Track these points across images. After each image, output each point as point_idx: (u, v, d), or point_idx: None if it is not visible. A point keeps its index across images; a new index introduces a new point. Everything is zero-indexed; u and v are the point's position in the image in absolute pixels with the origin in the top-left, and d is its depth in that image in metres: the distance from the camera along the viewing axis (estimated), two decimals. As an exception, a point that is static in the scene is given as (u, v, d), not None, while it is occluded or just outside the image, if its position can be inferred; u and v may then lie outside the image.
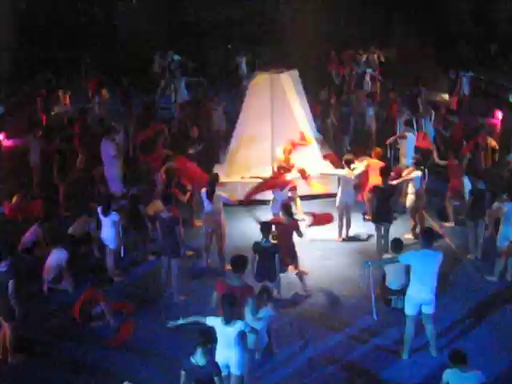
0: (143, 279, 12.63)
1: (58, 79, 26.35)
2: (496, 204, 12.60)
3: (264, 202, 15.00)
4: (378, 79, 25.62)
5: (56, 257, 12.05)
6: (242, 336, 8.44)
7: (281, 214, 12.18)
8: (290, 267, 11.93)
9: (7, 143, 21.01)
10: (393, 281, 11.14)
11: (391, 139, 17.45)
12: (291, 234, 11.71)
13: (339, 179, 14.13)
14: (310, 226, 13.34)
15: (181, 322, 8.72)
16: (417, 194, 13.69)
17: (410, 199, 13.84)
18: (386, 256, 11.63)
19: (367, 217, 14.80)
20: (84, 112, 19.76)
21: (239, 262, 9.63)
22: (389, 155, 17.80)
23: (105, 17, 34.12)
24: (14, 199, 14.78)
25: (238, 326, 8.33)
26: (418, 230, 13.87)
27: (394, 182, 13.46)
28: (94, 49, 30.10)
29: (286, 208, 11.94)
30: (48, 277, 12.08)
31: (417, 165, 13.80)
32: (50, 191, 16.15)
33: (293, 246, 11.72)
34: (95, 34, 31.78)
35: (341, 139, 19.66)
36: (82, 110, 20.17)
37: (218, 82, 26.66)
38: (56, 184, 15.72)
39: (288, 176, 13.94)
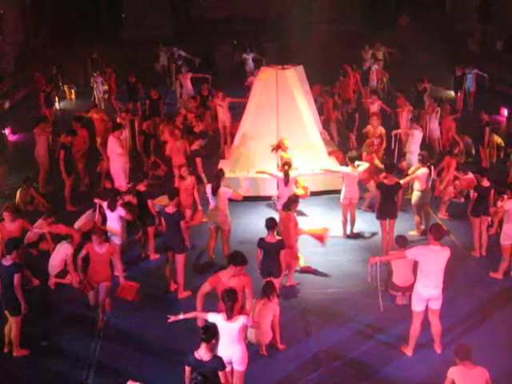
0: (148, 275, 12.64)
1: (63, 75, 26.40)
2: (500, 202, 12.61)
3: (269, 198, 15.07)
4: (384, 75, 25.62)
5: (61, 251, 12.09)
6: (244, 331, 8.45)
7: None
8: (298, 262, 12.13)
9: (13, 138, 21.06)
10: (399, 277, 11.14)
11: (398, 131, 17.40)
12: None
13: (343, 176, 14.15)
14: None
15: (181, 317, 8.71)
16: (423, 190, 13.69)
17: (415, 196, 13.83)
18: (392, 252, 11.64)
19: (363, 208, 15.05)
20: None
21: (237, 259, 9.56)
22: (393, 147, 17.76)
23: (110, 12, 34.16)
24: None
25: (240, 321, 8.34)
26: (423, 226, 13.88)
27: (402, 181, 13.46)
28: (100, 44, 30.08)
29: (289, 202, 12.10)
30: (53, 271, 12.12)
31: (423, 162, 13.79)
32: (55, 186, 16.22)
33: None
34: (101, 30, 31.83)
35: (346, 136, 19.62)
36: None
37: (223, 78, 26.62)
38: (62, 179, 15.79)
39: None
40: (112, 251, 10.89)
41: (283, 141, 14.94)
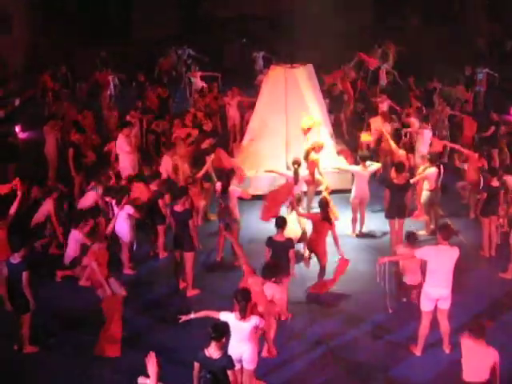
0: (156, 273, 12.66)
1: (73, 73, 26.44)
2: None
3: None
4: (394, 74, 25.58)
5: (72, 238, 12.13)
6: (256, 332, 8.46)
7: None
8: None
9: (23, 135, 21.11)
10: (409, 276, 11.10)
11: (408, 130, 17.39)
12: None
13: (353, 175, 14.15)
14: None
15: (192, 316, 8.71)
16: (432, 190, 13.65)
17: (424, 195, 13.80)
18: (402, 251, 11.61)
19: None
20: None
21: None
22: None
23: (120, 11, 34.13)
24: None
25: (253, 321, 8.35)
26: (432, 226, 13.84)
27: (411, 180, 13.44)
28: (109, 43, 30.08)
29: (323, 203, 11.92)
30: (68, 259, 12.15)
31: (432, 161, 13.75)
32: (65, 183, 16.25)
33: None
34: (110, 29, 31.82)
35: (354, 134, 19.57)
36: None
37: (233, 76, 26.58)
38: (72, 176, 15.82)
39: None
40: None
41: (319, 143, 14.88)
